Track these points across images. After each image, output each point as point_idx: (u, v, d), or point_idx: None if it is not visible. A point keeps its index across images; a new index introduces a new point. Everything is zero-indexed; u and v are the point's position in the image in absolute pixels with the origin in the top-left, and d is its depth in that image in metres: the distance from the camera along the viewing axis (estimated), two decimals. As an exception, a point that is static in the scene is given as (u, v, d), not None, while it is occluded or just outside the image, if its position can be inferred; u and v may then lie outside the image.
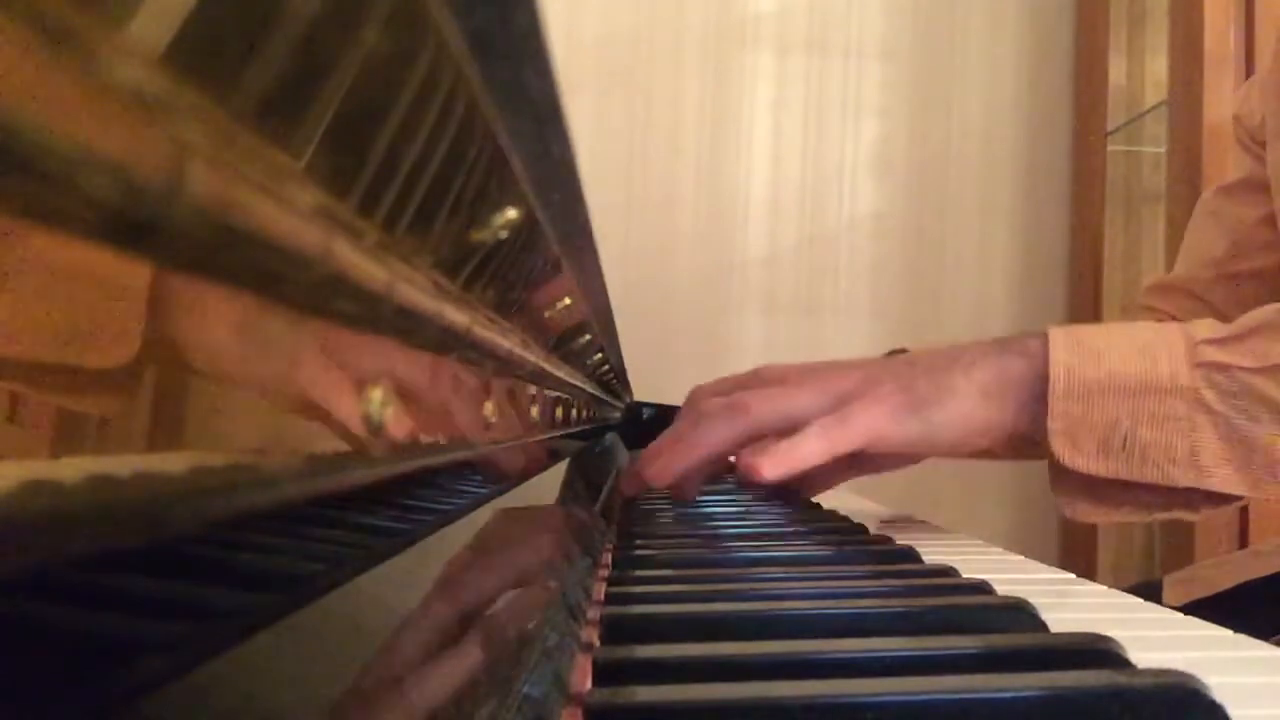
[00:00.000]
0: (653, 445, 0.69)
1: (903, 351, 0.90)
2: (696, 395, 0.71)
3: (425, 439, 0.25)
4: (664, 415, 1.24)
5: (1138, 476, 0.59)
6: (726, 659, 0.29)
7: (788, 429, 0.63)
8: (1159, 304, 0.98)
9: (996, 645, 0.30)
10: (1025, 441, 0.64)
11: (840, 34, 1.73)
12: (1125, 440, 0.59)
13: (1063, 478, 0.62)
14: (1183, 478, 0.59)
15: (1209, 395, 0.58)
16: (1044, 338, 0.61)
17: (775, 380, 0.67)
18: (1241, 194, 0.92)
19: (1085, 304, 1.67)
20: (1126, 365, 0.59)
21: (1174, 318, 0.96)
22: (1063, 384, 0.60)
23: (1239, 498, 0.61)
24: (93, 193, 0.09)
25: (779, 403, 0.64)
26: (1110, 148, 1.66)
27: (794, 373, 0.68)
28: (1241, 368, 0.58)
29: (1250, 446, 0.57)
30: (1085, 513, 0.63)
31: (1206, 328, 0.60)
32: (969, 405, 0.62)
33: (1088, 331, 0.62)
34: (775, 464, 0.61)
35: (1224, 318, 0.94)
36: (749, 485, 0.73)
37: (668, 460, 0.66)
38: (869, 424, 0.62)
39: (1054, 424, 0.60)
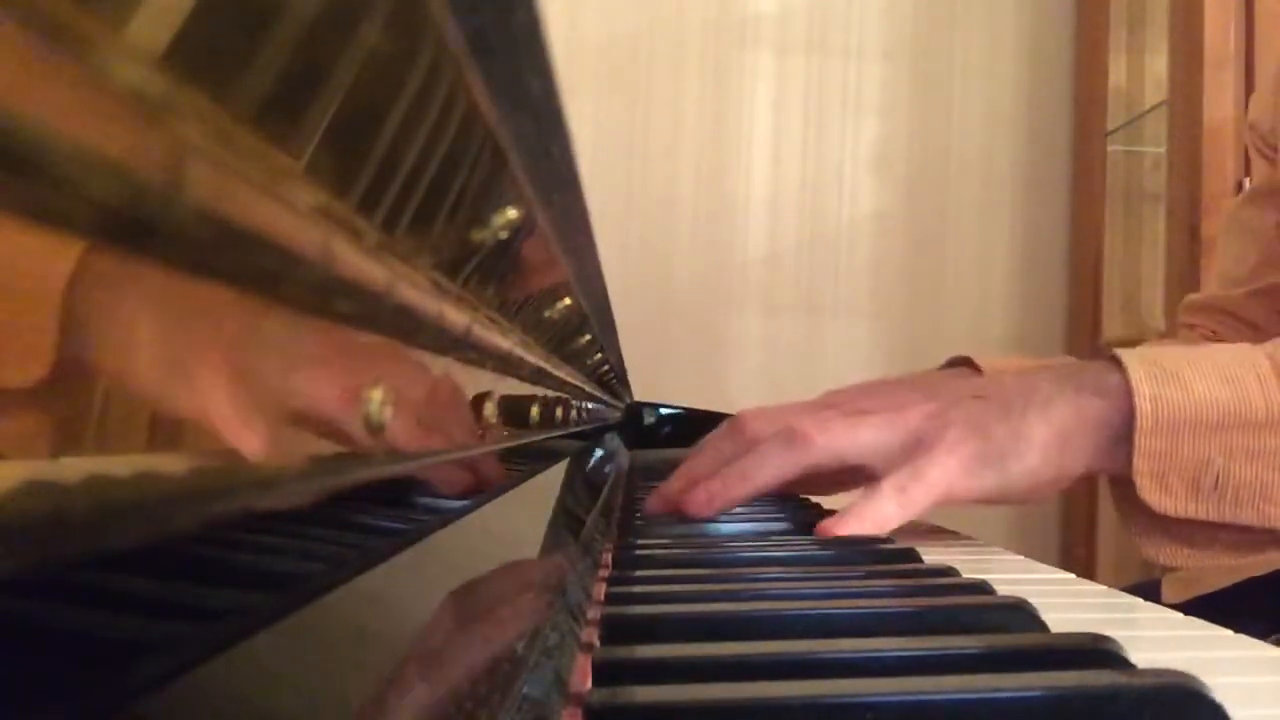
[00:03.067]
0: (689, 469, 0.62)
1: (965, 362, 0.81)
2: (744, 418, 0.63)
3: (425, 439, 0.25)
4: (665, 420, 1.24)
5: (1230, 518, 0.55)
6: (727, 659, 0.29)
7: (850, 466, 0.59)
8: (1198, 321, 0.96)
9: (997, 645, 0.30)
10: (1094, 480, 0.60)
11: (840, 34, 1.73)
12: (1218, 479, 0.55)
13: (1140, 519, 0.57)
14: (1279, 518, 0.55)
15: None
16: (1120, 370, 0.57)
17: (828, 404, 0.62)
18: (1262, 201, 0.91)
19: (1085, 304, 1.67)
20: (1215, 395, 0.55)
21: (1215, 334, 0.95)
22: (1150, 419, 0.55)
23: None
24: (93, 193, 0.09)
25: (841, 437, 0.58)
26: (1110, 148, 1.66)
27: (846, 398, 0.62)
28: None
29: None
30: (1168, 556, 0.58)
31: None
32: (1046, 454, 0.57)
33: (1164, 357, 0.57)
34: (853, 530, 0.56)
35: (1263, 332, 0.93)
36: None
37: (717, 491, 0.59)
38: (943, 479, 0.57)
39: (1141, 463, 0.55)
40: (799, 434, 0.58)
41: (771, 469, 0.59)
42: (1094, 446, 0.57)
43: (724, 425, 0.64)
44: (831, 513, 0.70)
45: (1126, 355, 0.57)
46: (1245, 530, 0.56)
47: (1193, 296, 0.99)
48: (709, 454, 0.62)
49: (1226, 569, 0.81)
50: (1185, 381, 0.55)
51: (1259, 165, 0.93)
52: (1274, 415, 0.55)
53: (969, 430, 0.57)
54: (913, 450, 0.57)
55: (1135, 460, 0.55)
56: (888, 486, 0.57)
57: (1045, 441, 0.57)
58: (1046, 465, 0.57)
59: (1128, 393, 0.56)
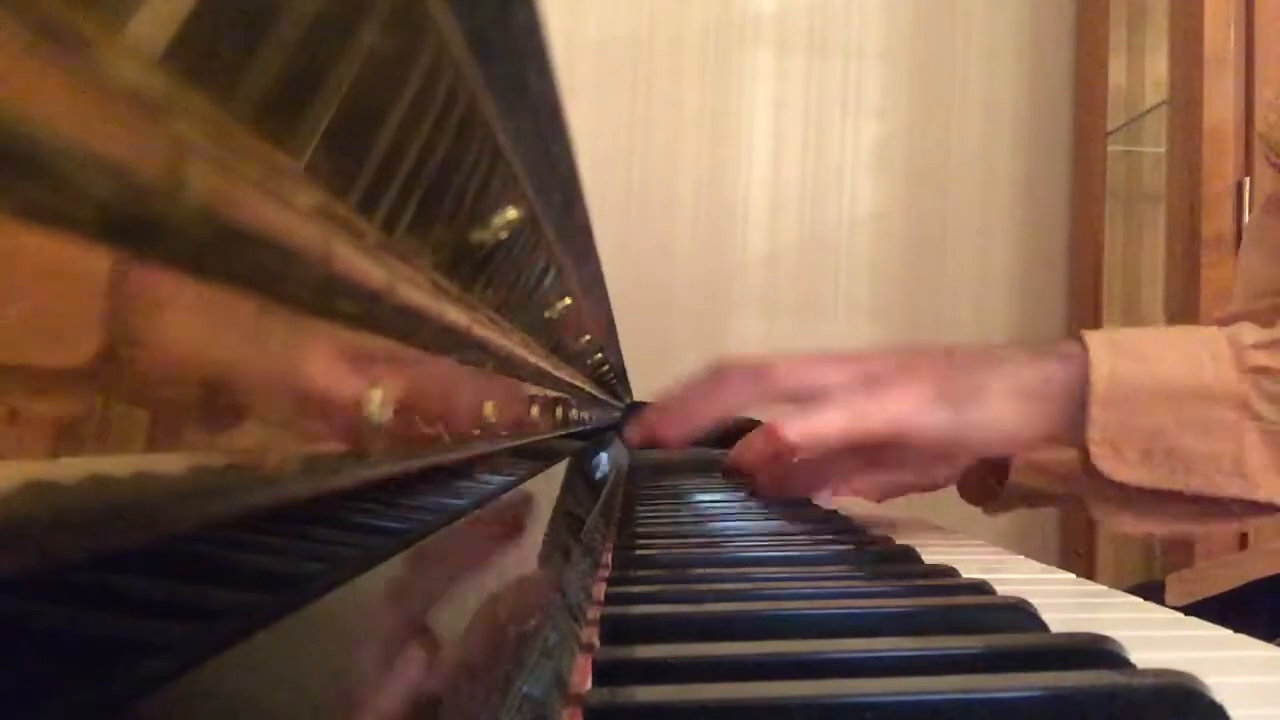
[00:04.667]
0: (668, 394, 0.66)
1: None
2: (723, 358, 0.67)
3: (425, 439, 0.25)
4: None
5: (1182, 486, 0.57)
6: (726, 659, 0.29)
7: (812, 400, 0.61)
8: None
9: (996, 645, 0.30)
10: (1053, 483, 0.62)
11: (840, 34, 1.73)
12: (1170, 449, 0.57)
13: (1099, 487, 0.60)
14: (1229, 487, 0.57)
15: (1258, 402, 0.56)
16: (1082, 343, 0.59)
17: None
18: (1276, 211, 0.91)
19: (1085, 304, 1.67)
20: (1171, 369, 0.57)
21: None
22: (1105, 387, 0.57)
23: None
24: (93, 193, 0.09)
25: (803, 371, 0.62)
26: (1110, 148, 1.66)
27: (823, 352, 0.65)
28: None
29: None
30: (1122, 523, 0.61)
31: (1252, 332, 0.59)
32: (1004, 407, 0.60)
33: (1128, 335, 0.60)
34: (798, 427, 0.59)
35: None
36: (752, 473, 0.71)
37: (684, 414, 0.64)
38: (897, 408, 0.59)
39: (1094, 430, 0.58)
40: (763, 367, 0.63)
41: (733, 395, 0.63)
42: (1053, 411, 0.59)
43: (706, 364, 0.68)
44: (831, 512, 0.71)
45: (1091, 333, 0.60)
46: (1196, 500, 0.58)
47: (1219, 313, 0.98)
48: (686, 385, 0.66)
49: (1230, 571, 0.82)
50: (1142, 355, 0.58)
51: (1268, 175, 0.93)
52: (1226, 389, 0.57)
53: (931, 375, 0.60)
54: (874, 385, 0.60)
55: (1089, 428, 0.58)
56: (840, 399, 0.59)
57: (1003, 396, 0.60)
58: (1002, 417, 0.60)
59: (1086, 363, 0.58)
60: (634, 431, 0.67)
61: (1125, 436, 0.57)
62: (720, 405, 0.63)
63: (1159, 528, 0.61)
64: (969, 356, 0.62)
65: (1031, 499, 0.69)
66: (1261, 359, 0.57)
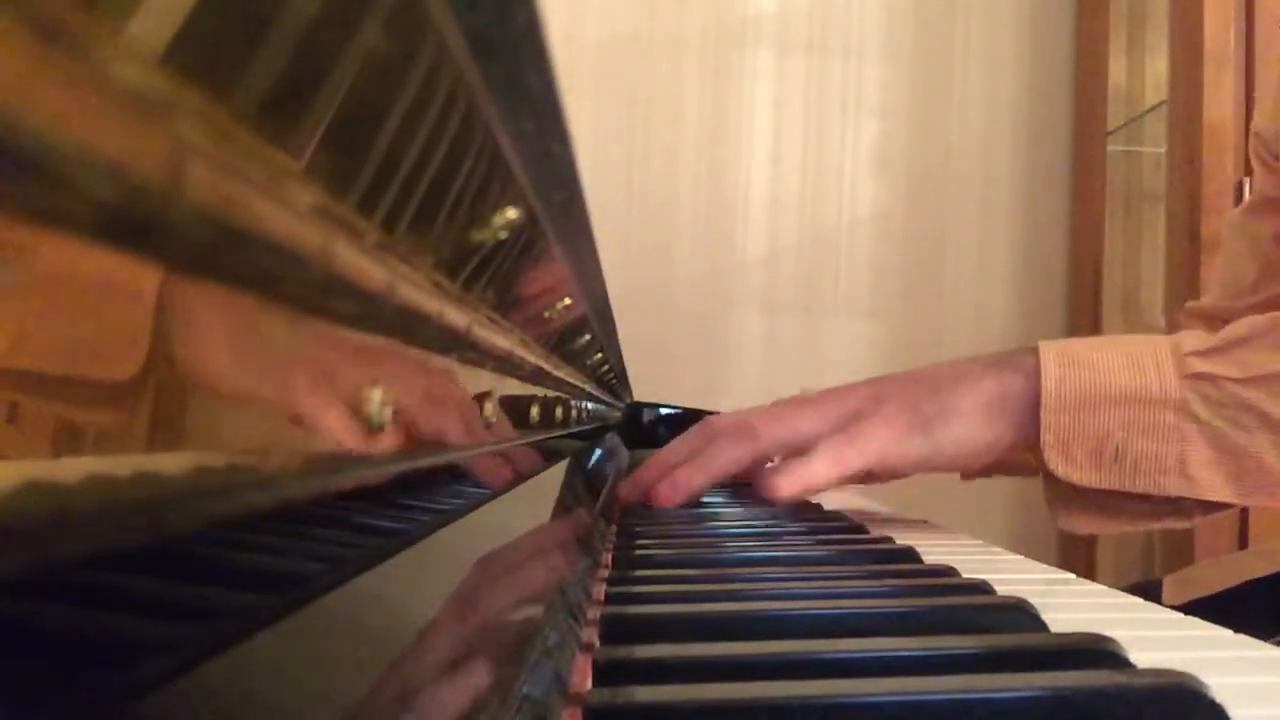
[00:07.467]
0: (658, 460, 0.70)
1: None
2: (710, 418, 0.73)
3: (425, 439, 0.25)
4: (664, 420, 1.24)
5: (1129, 486, 0.61)
6: (726, 659, 0.29)
7: (795, 450, 0.65)
8: (1198, 328, 0.97)
9: (996, 645, 0.30)
10: (1028, 455, 0.65)
11: (840, 34, 1.73)
12: (1117, 451, 0.61)
13: (1057, 490, 0.64)
14: (1174, 487, 0.61)
15: (1197, 406, 0.60)
16: (1036, 354, 0.63)
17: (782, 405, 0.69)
18: (1265, 212, 0.91)
19: (1085, 304, 1.67)
20: (1116, 377, 0.61)
21: None
22: (1054, 397, 0.61)
23: (1230, 506, 0.62)
24: (93, 193, 0.09)
25: (785, 424, 0.66)
26: (1110, 148, 1.66)
27: (801, 397, 0.70)
28: (1228, 378, 0.60)
29: (1239, 455, 0.60)
30: (1079, 524, 0.65)
31: (1194, 339, 0.62)
32: (971, 424, 0.64)
33: (1079, 344, 0.64)
34: (789, 484, 0.63)
35: None
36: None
37: (677, 481, 0.67)
38: (876, 444, 0.63)
39: (1046, 436, 0.61)
40: (748, 427, 0.66)
41: (724, 459, 0.66)
42: (1015, 418, 0.64)
43: (695, 425, 0.73)
44: (831, 512, 0.71)
45: (1045, 343, 0.64)
46: (1146, 499, 0.62)
47: (1195, 303, 0.99)
48: (676, 448, 0.70)
49: (1228, 570, 0.82)
50: (1091, 364, 0.62)
51: (1260, 174, 0.92)
52: (1168, 394, 0.61)
53: (901, 405, 0.64)
54: (849, 424, 0.64)
55: (1041, 433, 0.62)
56: (822, 448, 0.63)
57: (971, 413, 0.64)
58: (972, 434, 0.64)
59: (1040, 373, 0.63)
60: (629, 492, 0.71)
61: (1075, 440, 0.61)
62: (713, 472, 0.67)
63: (1115, 527, 0.65)
64: (934, 379, 0.66)
65: (1009, 468, 0.71)
66: (1200, 365, 0.61)
